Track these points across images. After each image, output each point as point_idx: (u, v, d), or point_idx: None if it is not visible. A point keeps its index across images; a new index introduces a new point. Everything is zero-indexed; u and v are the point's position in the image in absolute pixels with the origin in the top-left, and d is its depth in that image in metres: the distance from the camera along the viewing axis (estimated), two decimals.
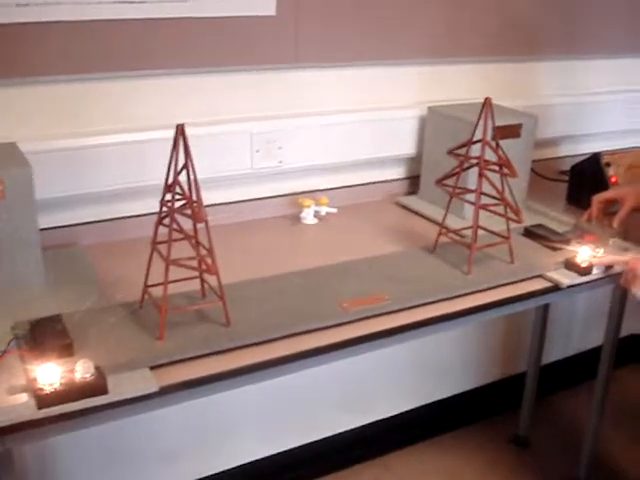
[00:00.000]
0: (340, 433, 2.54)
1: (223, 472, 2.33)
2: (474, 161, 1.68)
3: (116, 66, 1.73)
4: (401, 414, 2.65)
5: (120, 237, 1.79)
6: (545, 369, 2.77)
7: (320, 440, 2.50)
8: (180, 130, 1.30)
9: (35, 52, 1.63)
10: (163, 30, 1.75)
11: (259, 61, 1.91)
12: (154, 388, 1.23)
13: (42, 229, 1.54)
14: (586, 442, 2.49)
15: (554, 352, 2.96)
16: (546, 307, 2.57)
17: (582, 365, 2.91)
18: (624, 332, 2.47)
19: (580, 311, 3.00)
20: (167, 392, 1.25)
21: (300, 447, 2.47)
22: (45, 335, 1.29)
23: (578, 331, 3.04)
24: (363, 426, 2.58)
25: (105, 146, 1.73)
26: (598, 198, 1.91)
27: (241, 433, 2.32)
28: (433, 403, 2.72)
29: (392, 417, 2.63)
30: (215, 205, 1.88)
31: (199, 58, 1.82)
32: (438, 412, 2.73)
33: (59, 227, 1.75)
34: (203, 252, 1.36)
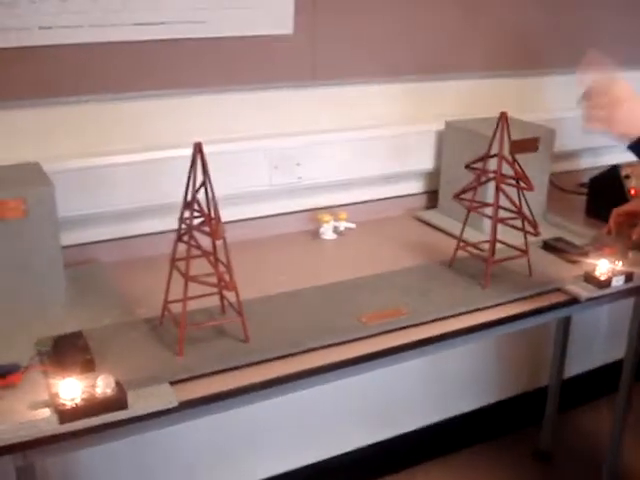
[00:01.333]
0: (361, 447, 2.54)
1: None
2: (491, 175, 1.69)
3: (136, 86, 1.76)
4: (422, 428, 2.65)
5: (139, 254, 1.81)
6: (567, 382, 2.76)
7: (341, 455, 2.50)
8: (198, 148, 1.32)
9: (56, 73, 1.66)
10: (182, 50, 1.78)
11: (277, 79, 1.93)
12: (174, 403, 1.24)
13: (63, 247, 1.56)
14: (608, 456, 2.47)
15: (576, 365, 2.94)
16: (567, 320, 2.56)
17: (605, 378, 2.89)
18: None
19: (602, 324, 2.99)
20: (187, 407, 1.26)
21: (322, 461, 2.47)
22: (67, 351, 1.31)
23: (600, 344, 3.02)
24: (384, 440, 2.58)
25: (124, 165, 1.75)
26: (617, 211, 1.90)
27: (262, 447, 2.33)
28: (455, 417, 2.72)
29: (414, 431, 2.63)
30: (234, 222, 1.89)
31: (217, 77, 1.85)
32: (460, 426, 2.72)
33: (79, 245, 1.77)
34: (222, 269, 1.38)
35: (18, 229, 1.46)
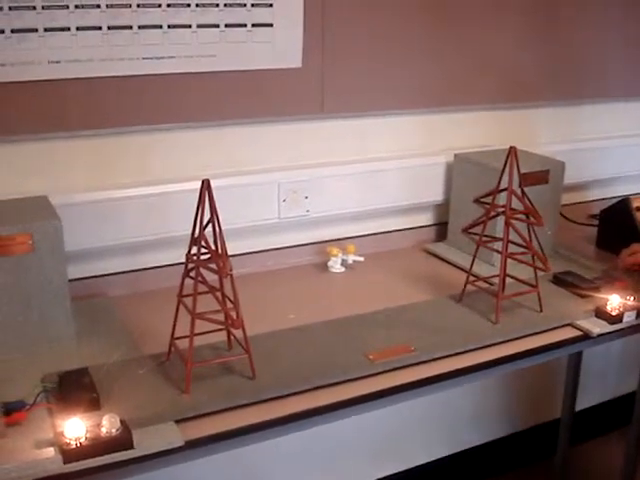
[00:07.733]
0: None
1: None
2: (500, 210, 1.67)
3: (145, 119, 1.76)
4: (433, 462, 2.62)
5: (146, 288, 1.80)
6: (580, 415, 2.72)
7: None
8: (206, 185, 1.32)
9: (64, 107, 1.67)
10: (191, 84, 1.78)
11: (286, 112, 1.93)
12: (179, 442, 1.22)
13: (70, 280, 1.56)
14: None
15: (589, 398, 2.91)
16: (579, 353, 2.53)
17: (617, 411, 2.85)
18: None
19: (614, 356, 2.96)
20: (193, 446, 1.24)
21: None
22: (72, 388, 1.30)
23: (612, 376, 2.99)
24: (393, 475, 2.55)
25: (132, 198, 1.75)
26: (627, 252, 1.88)
27: None
28: (465, 451, 2.69)
29: (423, 465, 2.60)
30: (242, 255, 1.89)
31: (226, 110, 1.85)
32: (471, 460, 2.69)
33: (86, 278, 1.76)
34: (229, 305, 1.37)
35: (25, 263, 1.46)
